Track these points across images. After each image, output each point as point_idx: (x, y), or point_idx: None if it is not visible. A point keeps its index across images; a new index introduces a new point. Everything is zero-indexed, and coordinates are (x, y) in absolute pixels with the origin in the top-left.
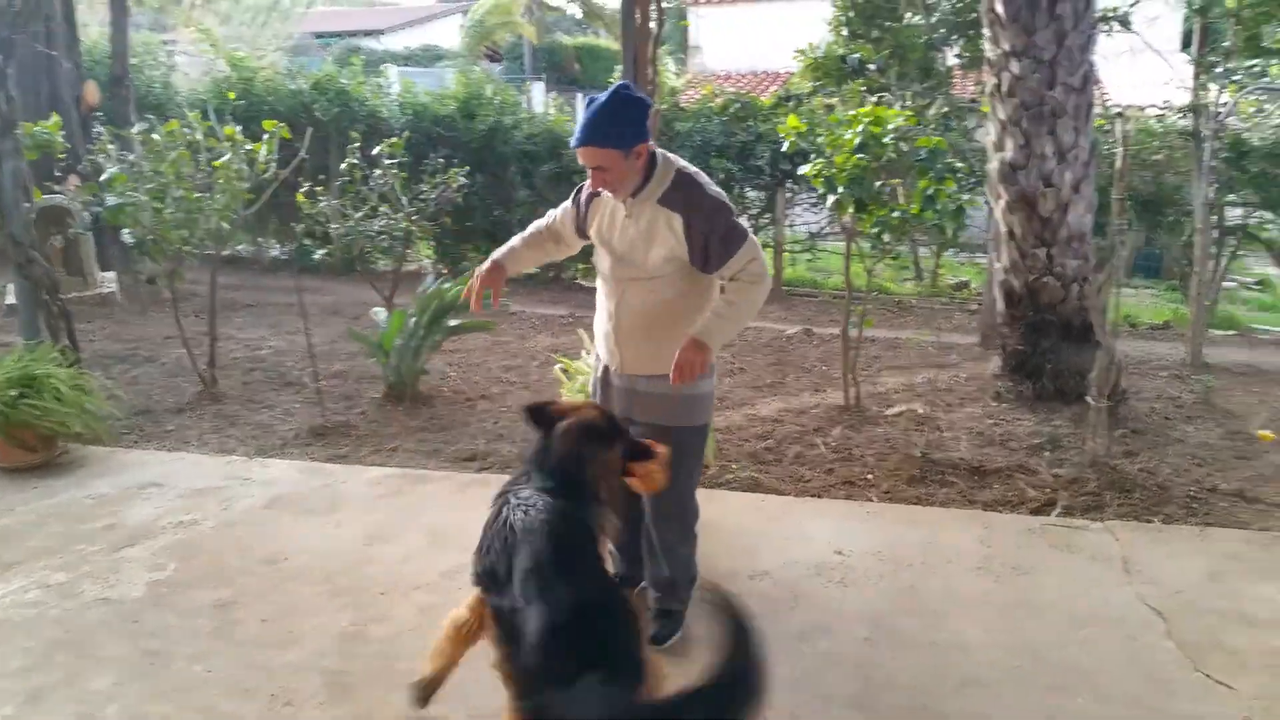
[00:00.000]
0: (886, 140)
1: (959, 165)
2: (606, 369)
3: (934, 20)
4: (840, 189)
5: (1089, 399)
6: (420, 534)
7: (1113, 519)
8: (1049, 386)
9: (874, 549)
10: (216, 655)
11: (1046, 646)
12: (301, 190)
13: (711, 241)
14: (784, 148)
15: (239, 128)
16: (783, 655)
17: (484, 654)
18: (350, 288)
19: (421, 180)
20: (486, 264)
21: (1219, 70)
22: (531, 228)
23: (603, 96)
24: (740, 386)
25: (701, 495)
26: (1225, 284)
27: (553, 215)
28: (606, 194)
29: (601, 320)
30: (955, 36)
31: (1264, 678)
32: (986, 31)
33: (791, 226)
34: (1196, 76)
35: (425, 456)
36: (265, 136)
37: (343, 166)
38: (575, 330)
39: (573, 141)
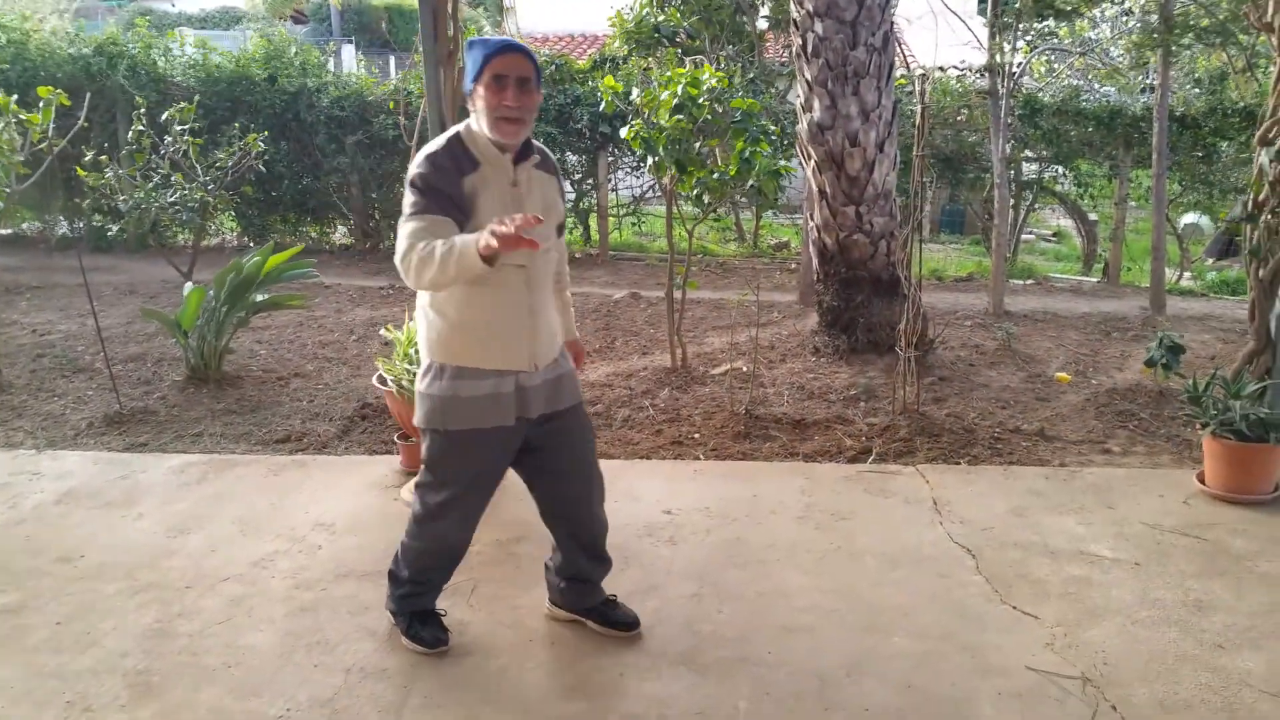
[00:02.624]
0: (702, 101)
1: (772, 128)
2: (518, 377)
3: None
4: (661, 150)
5: (898, 349)
6: (229, 523)
7: (923, 463)
8: (862, 339)
9: (701, 506)
10: (4, 665)
11: (864, 588)
12: (82, 162)
13: (565, 205)
14: (601, 108)
15: (14, 97)
16: None
17: (302, 638)
18: (146, 265)
19: (219, 148)
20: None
21: (1012, 31)
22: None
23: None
24: None
25: None
26: (1024, 236)
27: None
28: (477, 175)
29: (514, 319)
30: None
31: (1063, 605)
32: None
33: (615, 191)
34: (992, 37)
35: (233, 440)
36: (41, 105)
37: (130, 135)
38: (398, 302)
39: (493, 46)
